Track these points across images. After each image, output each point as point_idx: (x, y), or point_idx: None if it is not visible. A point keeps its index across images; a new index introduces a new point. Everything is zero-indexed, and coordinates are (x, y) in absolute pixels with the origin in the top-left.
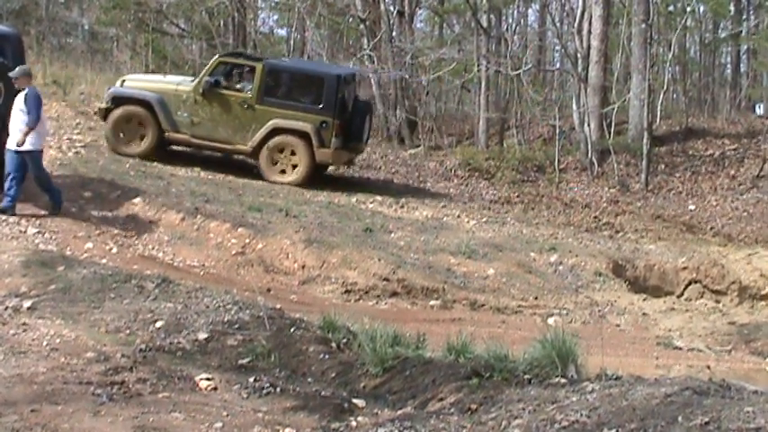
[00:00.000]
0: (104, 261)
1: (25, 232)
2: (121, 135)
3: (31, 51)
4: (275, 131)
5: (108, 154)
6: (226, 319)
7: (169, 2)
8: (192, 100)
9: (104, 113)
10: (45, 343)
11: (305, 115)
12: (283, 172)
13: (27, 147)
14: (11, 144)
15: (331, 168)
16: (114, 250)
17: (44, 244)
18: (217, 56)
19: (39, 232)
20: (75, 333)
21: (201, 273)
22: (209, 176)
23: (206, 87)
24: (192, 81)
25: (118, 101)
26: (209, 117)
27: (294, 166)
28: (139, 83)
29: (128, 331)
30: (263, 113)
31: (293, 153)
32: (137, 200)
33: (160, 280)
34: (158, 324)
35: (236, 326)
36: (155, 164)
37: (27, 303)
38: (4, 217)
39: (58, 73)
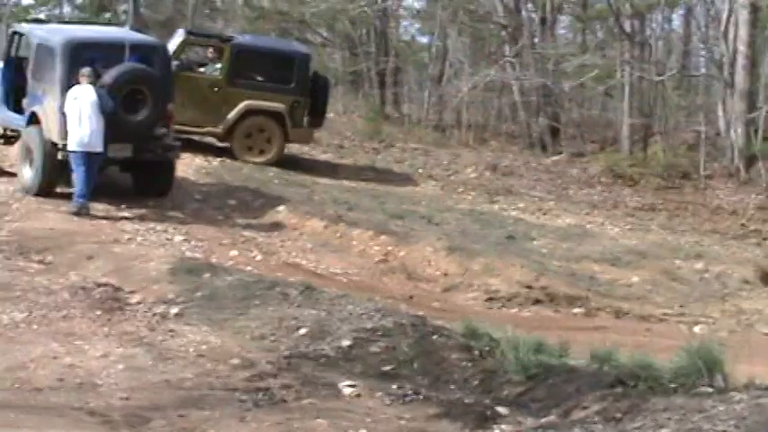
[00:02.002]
0: (249, 268)
1: (172, 240)
2: None
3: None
4: (247, 113)
5: (252, 163)
6: (369, 327)
7: (312, 11)
8: None
9: None
10: (192, 349)
11: (277, 96)
12: (262, 152)
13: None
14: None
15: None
16: (259, 258)
17: (190, 251)
18: (182, 37)
19: (185, 240)
20: (221, 339)
21: (344, 280)
22: (352, 184)
23: (174, 70)
24: None
25: None
26: (177, 100)
27: (268, 143)
28: None
29: (272, 338)
30: (234, 95)
31: (263, 132)
32: (281, 208)
33: (304, 287)
34: (302, 331)
35: (379, 333)
36: (298, 172)
37: (174, 310)
38: (152, 224)
39: None
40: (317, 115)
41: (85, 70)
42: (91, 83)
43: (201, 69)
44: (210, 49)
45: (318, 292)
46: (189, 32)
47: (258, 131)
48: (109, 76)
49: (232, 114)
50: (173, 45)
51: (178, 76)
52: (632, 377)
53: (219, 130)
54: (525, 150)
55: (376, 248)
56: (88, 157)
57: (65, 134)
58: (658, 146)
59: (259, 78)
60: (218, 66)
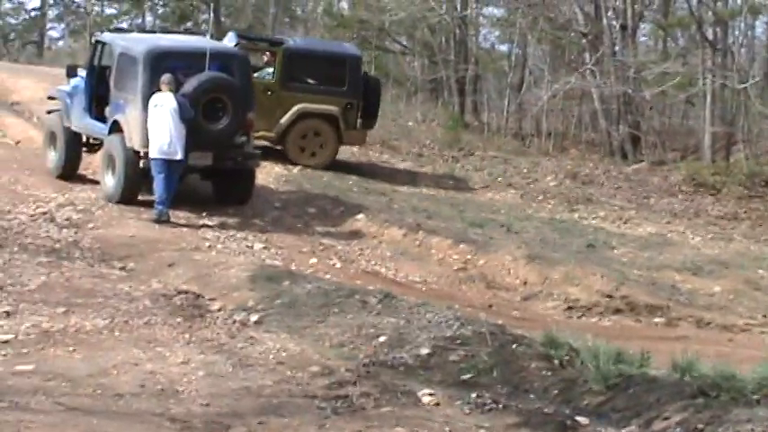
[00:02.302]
0: (328, 276)
1: (252, 247)
2: None
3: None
4: (301, 116)
5: (332, 171)
6: (448, 335)
7: (392, 19)
8: None
9: None
10: (271, 356)
11: (330, 98)
12: (314, 155)
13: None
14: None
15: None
16: (338, 265)
17: (270, 259)
18: (233, 42)
19: (265, 248)
20: (301, 347)
21: (423, 288)
22: (431, 192)
23: None
24: None
25: None
26: None
27: (321, 147)
28: None
29: (351, 346)
30: (287, 99)
31: (318, 135)
32: (360, 216)
33: (383, 295)
34: (381, 339)
35: (458, 341)
36: (377, 180)
37: (254, 317)
38: (232, 232)
39: None
40: (370, 117)
41: (166, 78)
42: (171, 90)
43: (255, 74)
44: (263, 54)
45: (397, 300)
46: (240, 36)
47: (312, 134)
48: (189, 85)
49: (285, 118)
50: None
51: None
52: (714, 388)
53: (273, 134)
54: (605, 159)
55: (455, 257)
56: (168, 165)
57: (146, 142)
58: (741, 154)
59: (311, 81)
60: (271, 70)
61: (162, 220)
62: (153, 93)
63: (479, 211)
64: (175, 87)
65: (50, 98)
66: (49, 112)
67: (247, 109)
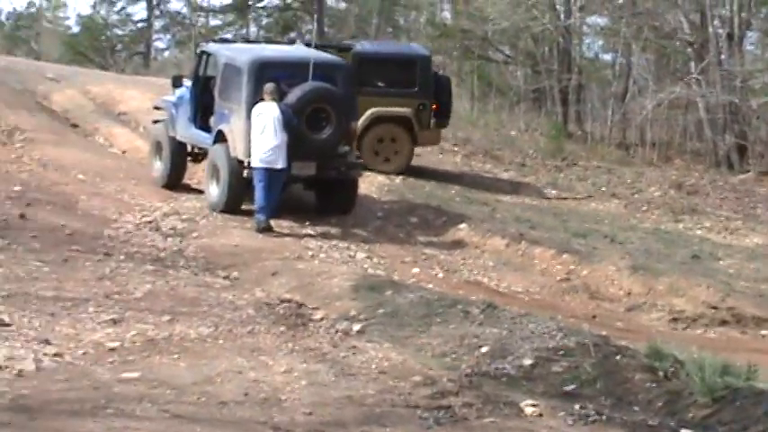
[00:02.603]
0: (430, 286)
1: (354, 257)
2: None
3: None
4: (375, 120)
5: (435, 181)
6: (550, 346)
7: (494, 29)
8: None
9: None
10: (374, 366)
11: (402, 100)
12: (387, 160)
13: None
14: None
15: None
16: (440, 275)
17: (373, 268)
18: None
19: (368, 257)
20: (403, 356)
21: (526, 298)
22: (534, 202)
23: None
24: None
25: None
26: None
27: (396, 153)
28: None
29: (453, 356)
30: (360, 103)
31: (393, 140)
32: (462, 225)
33: (485, 305)
34: (483, 349)
35: (561, 352)
36: (480, 190)
37: (356, 326)
38: (334, 242)
39: None
40: (443, 116)
41: (268, 87)
42: (274, 100)
43: None
44: None
45: (500, 310)
46: (306, 44)
47: (387, 138)
48: (293, 95)
49: (359, 123)
50: None
51: None
52: None
53: None
54: (711, 169)
55: (558, 267)
56: (269, 174)
57: (250, 151)
58: None
59: (382, 84)
60: None
61: (262, 229)
62: (256, 101)
63: (583, 221)
64: (279, 97)
65: (156, 108)
66: (154, 122)
67: (351, 118)
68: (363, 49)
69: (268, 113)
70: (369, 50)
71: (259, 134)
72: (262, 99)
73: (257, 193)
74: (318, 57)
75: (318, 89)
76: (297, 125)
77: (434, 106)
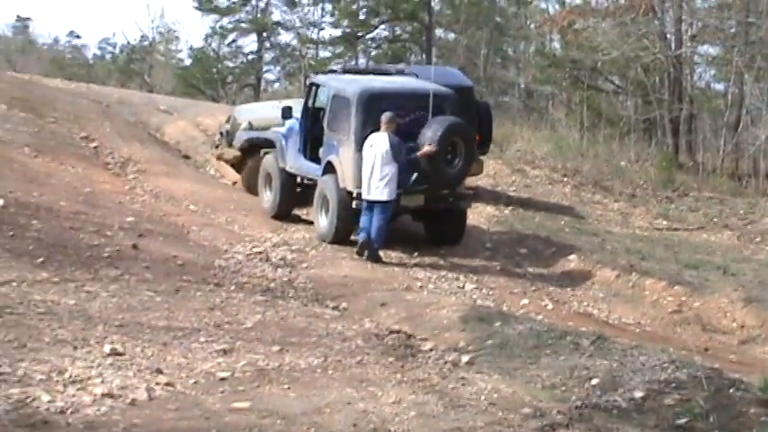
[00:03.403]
0: (540, 317)
1: (463, 288)
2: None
3: None
4: None
5: (543, 211)
6: (662, 378)
7: (604, 59)
8: None
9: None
10: (483, 397)
11: None
12: None
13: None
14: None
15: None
16: (549, 306)
17: (482, 299)
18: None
19: (476, 288)
20: (512, 388)
21: (636, 330)
22: (645, 233)
23: None
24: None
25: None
26: None
27: None
28: (269, 121)
29: (563, 388)
30: None
31: None
32: (572, 257)
33: (595, 337)
34: (594, 381)
35: (673, 385)
36: (589, 221)
37: (465, 358)
38: (443, 272)
39: (495, 131)
40: (484, 144)
41: (385, 117)
42: (389, 130)
43: None
44: None
45: (610, 342)
46: (345, 71)
47: None
48: (432, 129)
49: None
50: None
51: None
52: None
53: None
54: None
55: (669, 299)
56: (373, 205)
57: (359, 182)
58: None
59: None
60: None
61: (363, 253)
62: (370, 132)
63: (694, 252)
64: (395, 127)
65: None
66: (264, 154)
67: (475, 150)
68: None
69: (378, 145)
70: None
71: (369, 166)
72: (377, 129)
73: (362, 218)
74: (427, 88)
75: (454, 123)
76: (405, 157)
77: (478, 137)
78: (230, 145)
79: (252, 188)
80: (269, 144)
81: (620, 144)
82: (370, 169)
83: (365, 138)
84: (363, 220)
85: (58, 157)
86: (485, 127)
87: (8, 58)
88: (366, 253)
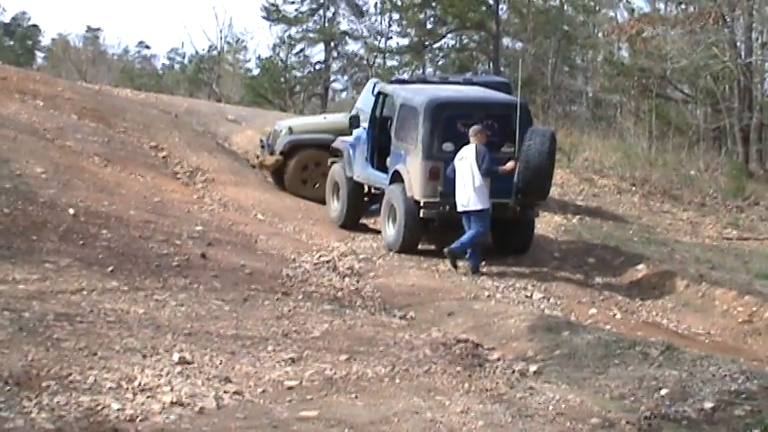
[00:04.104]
0: (608, 327)
1: (531, 297)
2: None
3: (537, 119)
4: None
5: (612, 220)
6: (732, 389)
7: (673, 67)
8: None
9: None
10: (551, 407)
11: None
12: None
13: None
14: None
15: None
16: (618, 316)
17: (549, 309)
18: (377, 90)
19: (544, 297)
20: (580, 398)
21: (706, 340)
22: (714, 243)
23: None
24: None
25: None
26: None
27: None
28: (309, 127)
29: (632, 398)
30: None
31: None
32: (640, 266)
33: (664, 347)
34: (663, 391)
35: (744, 396)
36: (658, 230)
37: (533, 367)
38: (511, 281)
39: (563, 140)
40: None
41: (473, 129)
42: (477, 141)
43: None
44: None
45: (680, 352)
46: (399, 80)
47: None
48: (538, 141)
49: None
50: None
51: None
52: None
53: None
54: None
55: (740, 309)
56: (469, 216)
57: (426, 192)
58: None
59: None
60: None
61: (474, 271)
62: (432, 143)
63: (765, 262)
64: (484, 138)
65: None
66: (332, 163)
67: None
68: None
69: (467, 157)
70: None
71: (461, 178)
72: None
73: (466, 234)
74: (495, 97)
75: (554, 134)
76: (487, 169)
77: None
78: (271, 154)
79: (294, 188)
80: (309, 144)
81: (689, 153)
82: (463, 181)
83: (432, 147)
84: (464, 237)
85: (127, 167)
86: None
87: (79, 69)
88: (470, 269)
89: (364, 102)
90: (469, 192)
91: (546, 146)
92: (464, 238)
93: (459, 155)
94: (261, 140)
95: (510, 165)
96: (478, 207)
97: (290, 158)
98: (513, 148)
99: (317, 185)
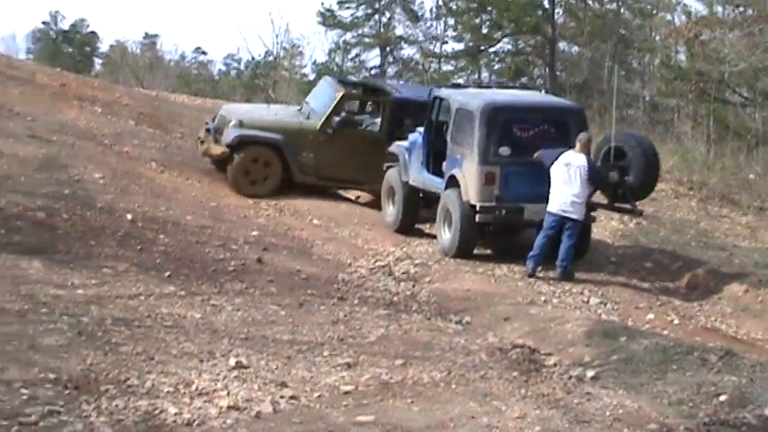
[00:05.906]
0: (666, 332)
1: (588, 302)
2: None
3: (594, 123)
4: None
5: (669, 225)
6: None
7: (731, 70)
8: (318, 139)
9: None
10: (608, 413)
11: None
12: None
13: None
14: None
15: None
16: (676, 321)
17: (606, 314)
18: (341, 93)
19: (601, 302)
20: (638, 404)
21: (766, 346)
22: None
23: (335, 126)
24: (301, 114)
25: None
26: (337, 157)
27: None
28: (259, 123)
29: (690, 404)
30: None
31: None
32: (699, 271)
33: (723, 352)
34: (722, 397)
35: None
36: (717, 234)
37: (590, 373)
38: (568, 287)
39: None
40: None
41: (581, 137)
42: (584, 150)
43: (360, 124)
44: (368, 103)
45: (739, 357)
46: (341, 82)
47: None
48: (637, 150)
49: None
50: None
51: (339, 132)
52: None
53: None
54: None
55: None
56: (561, 222)
57: (483, 196)
58: None
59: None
60: (378, 120)
61: (530, 275)
62: (488, 147)
63: None
64: (588, 149)
65: (389, 154)
66: (387, 168)
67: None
68: (400, 94)
69: (575, 164)
70: (405, 96)
71: (563, 183)
72: (571, 147)
73: (538, 239)
74: (551, 102)
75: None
76: (601, 181)
77: None
78: (216, 142)
79: (238, 185)
80: (258, 141)
81: (747, 157)
82: (566, 186)
83: (488, 151)
84: (537, 243)
85: (184, 172)
86: None
87: (136, 75)
88: (527, 269)
89: (314, 97)
90: (574, 199)
91: (650, 146)
92: (564, 255)
93: (562, 159)
94: (206, 123)
95: (615, 176)
96: (578, 217)
97: (237, 153)
98: (536, 154)
99: (261, 183)
